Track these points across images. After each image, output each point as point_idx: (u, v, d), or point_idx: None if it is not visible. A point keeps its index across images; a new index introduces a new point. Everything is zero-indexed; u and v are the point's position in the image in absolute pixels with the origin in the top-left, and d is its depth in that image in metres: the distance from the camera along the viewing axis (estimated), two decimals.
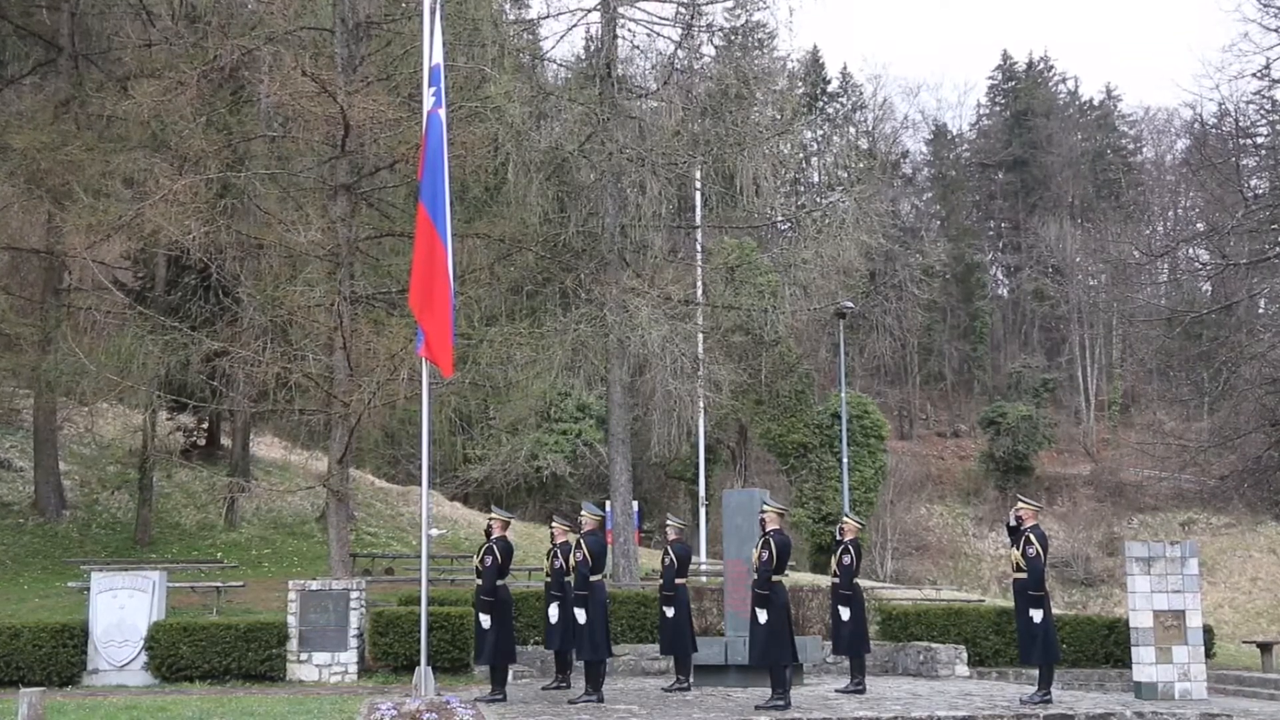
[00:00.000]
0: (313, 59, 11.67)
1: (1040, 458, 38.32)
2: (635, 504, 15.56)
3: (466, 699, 7.78)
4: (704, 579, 17.58)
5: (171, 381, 12.58)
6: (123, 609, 10.05)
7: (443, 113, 8.57)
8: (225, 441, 21.04)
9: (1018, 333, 48.83)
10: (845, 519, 10.01)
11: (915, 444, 41.54)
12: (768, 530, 8.12)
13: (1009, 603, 11.62)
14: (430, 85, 8.58)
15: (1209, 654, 11.41)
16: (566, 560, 9.02)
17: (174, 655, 9.88)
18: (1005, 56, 54.54)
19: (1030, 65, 54.50)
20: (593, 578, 8.45)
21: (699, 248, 15.62)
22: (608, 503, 14.68)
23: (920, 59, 65.13)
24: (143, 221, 11.12)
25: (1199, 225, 34.47)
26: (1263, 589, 29.15)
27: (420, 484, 8.88)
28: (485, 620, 8.42)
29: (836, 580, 9.69)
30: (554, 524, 9.69)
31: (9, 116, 15.26)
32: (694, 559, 17.36)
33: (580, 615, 8.38)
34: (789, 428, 28.74)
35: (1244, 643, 15.70)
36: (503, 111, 12.06)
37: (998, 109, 54.57)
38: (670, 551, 9.54)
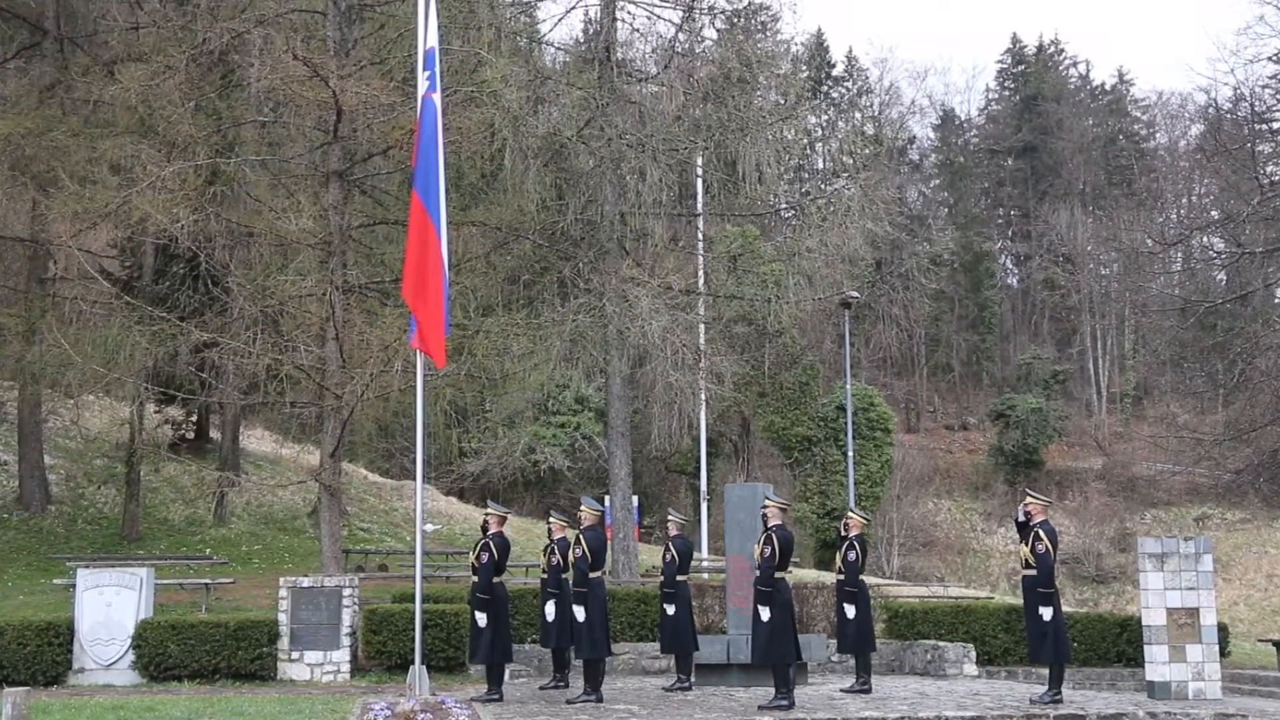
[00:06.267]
0: (304, 42, 11.46)
1: (1050, 451, 37.98)
2: (635, 499, 15.37)
3: (462, 699, 7.64)
4: (706, 575, 17.39)
5: (159, 373, 12.43)
6: (109, 606, 9.91)
7: (437, 97, 8.38)
8: (214, 435, 20.80)
9: (1027, 323, 48.40)
10: (850, 514, 9.79)
11: (922, 437, 41.24)
12: (770, 525, 7.92)
13: (1018, 600, 11.42)
14: (425, 69, 8.39)
15: (1224, 653, 11.20)
16: (564, 556, 8.86)
17: (162, 654, 9.73)
18: (1015, 39, 53.92)
19: (1040, 49, 53.85)
20: (592, 574, 8.30)
21: (700, 236, 15.32)
22: (607, 497, 14.49)
23: (928, 42, 64.50)
24: (130, 209, 10.92)
25: (1213, 213, 33.98)
26: (1279, 586, 28.78)
27: (415, 478, 8.72)
28: (481, 618, 8.29)
29: (841, 577, 9.50)
30: (551, 519, 9.55)
31: None
32: (695, 555, 17.15)
33: (579, 613, 8.23)
34: (793, 420, 28.44)
35: (1260, 641, 15.43)
36: (499, 96, 11.82)
37: (1007, 93, 53.98)
38: (671, 547, 9.38)
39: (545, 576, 9.15)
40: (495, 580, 8.37)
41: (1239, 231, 18.10)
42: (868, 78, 47.03)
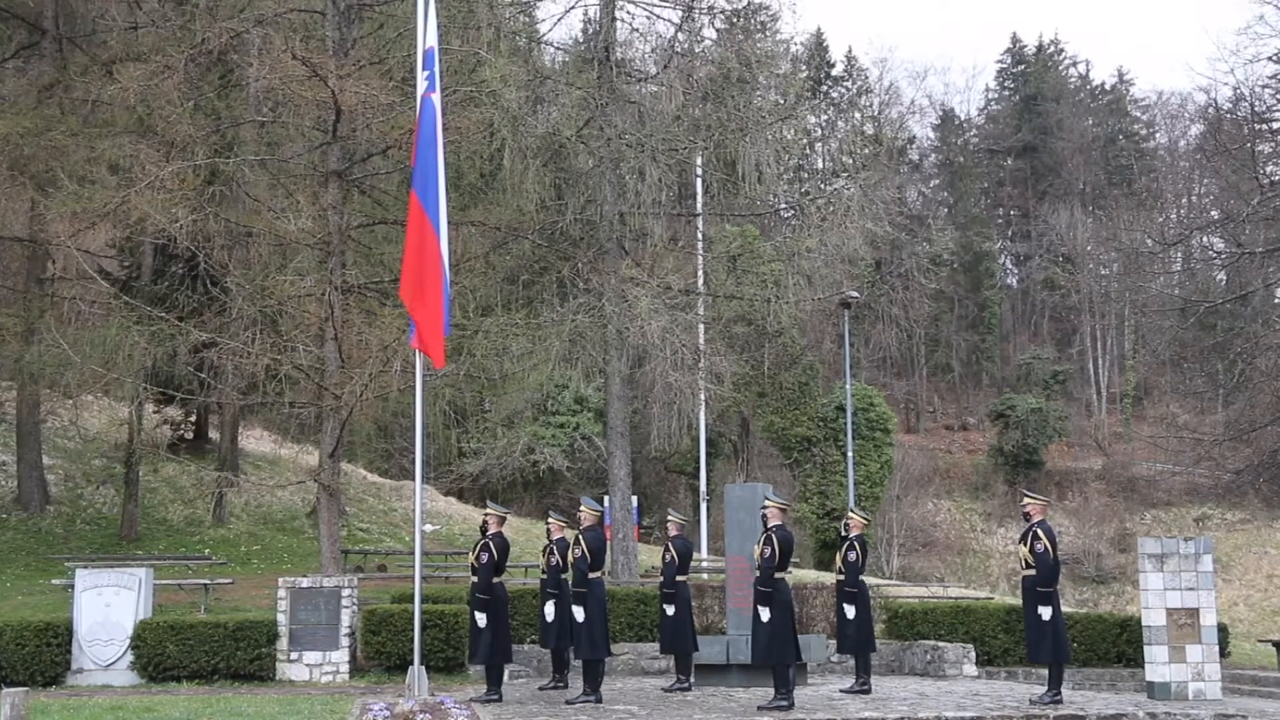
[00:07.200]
0: (303, 42, 11.43)
1: (1050, 451, 37.94)
2: (634, 499, 15.35)
3: (461, 699, 7.65)
4: (705, 576, 17.37)
5: (158, 373, 12.39)
6: (108, 607, 9.89)
7: (436, 97, 8.33)
8: (213, 435, 20.81)
9: (1027, 323, 48.39)
10: (850, 514, 9.77)
11: (922, 437, 41.20)
12: (770, 526, 7.89)
13: (1018, 600, 11.39)
14: (424, 69, 8.36)
15: (1224, 653, 11.21)
16: (563, 556, 8.84)
17: (161, 654, 9.71)
18: (1014, 39, 53.92)
19: (1040, 48, 53.84)
20: (591, 574, 8.28)
21: (700, 236, 15.30)
22: (606, 497, 14.46)
23: (928, 42, 64.51)
24: (129, 209, 10.89)
25: (1213, 213, 33.98)
26: (1279, 586, 28.75)
27: (414, 478, 8.69)
28: (480, 618, 8.27)
29: (841, 577, 9.48)
30: (550, 519, 9.50)
31: None
32: (695, 555, 17.12)
33: (578, 613, 8.21)
34: (793, 420, 28.40)
35: (1260, 641, 15.44)
36: (498, 96, 11.78)
37: (1007, 93, 53.97)
38: (671, 547, 9.36)
39: (545, 577, 9.13)
40: (495, 580, 8.34)
41: (1239, 231, 18.11)
42: (867, 77, 46.96)
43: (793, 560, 9.13)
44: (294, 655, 9.83)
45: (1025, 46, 53.77)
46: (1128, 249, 27.74)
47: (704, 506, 21.48)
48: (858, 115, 44.25)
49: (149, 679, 9.63)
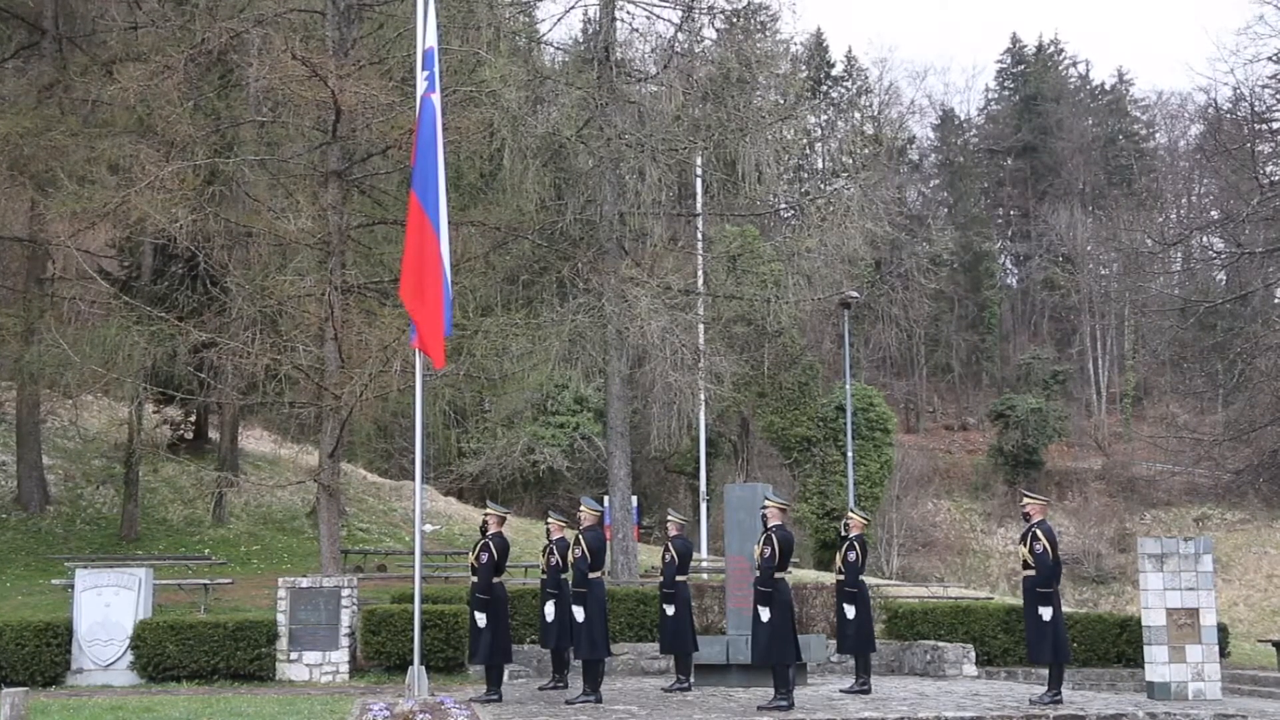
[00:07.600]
0: (303, 42, 11.43)
1: (1050, 451, 37.96)
2: (634, 499, 15.36)
3: (461, 699, 7.65)
4: (705, 575, 17.37)
5: (158, 373, 12.40)
6: (108, 607, 9.89)
7: (436, 97, 8.33)
8: (213, 435, 20.83)
9: (1027, 323, 48.41)
10: (850, 514, 9.77)
11: (922, 437, 41.21)
12: (770, 526, 7.90)
13: (1018, 600, 11.40)
14: (424, 69, 8.35)
15: (1224, 653, 11.22)
16: (563, 556, 8.85)
17: (160, 654, 9.71)
18: (1014, 39, 53.94)
19: (1040, 48, 53.87)
20: (591, 574, 8.28)
21: (700, 236, 15.30)
22: (606, 497, 14.47)
23: (927, 42, 64.52)
24: (128, 209, 10.89)
25: (1213, 213, 34.02)
26: (1279, 586, 28.76)
27: (414, 478, 8.69)
28: (480, 618, 8.27)
29: (841, 577, 9.48)
30: (550, 519, 9.50)
31: None
32: (695, 555, 17.13)
33: (578, 613, 8.22)
34: (792, 420, 28.40)
35: (1259, 641, 15.44)
36: (498, 96, 11.78)
37: (1007, 93, 53.99)
38: (671, 547, 9.37)
39: (544, 577, 9.13)
40: (494, 580, 8.35)
41: (1239, 231, 18.14)
42: (867, 77, 46.97)
43: (793, 560, 9.14)
44: (294, 655, 9.83)
45: (1025, 46, 53.79)
46: (1128, 249, 27.76)
47: (704, 506, 21.48)
48: (858, 115, 44.25)
49: (149, 679, 9.63)
